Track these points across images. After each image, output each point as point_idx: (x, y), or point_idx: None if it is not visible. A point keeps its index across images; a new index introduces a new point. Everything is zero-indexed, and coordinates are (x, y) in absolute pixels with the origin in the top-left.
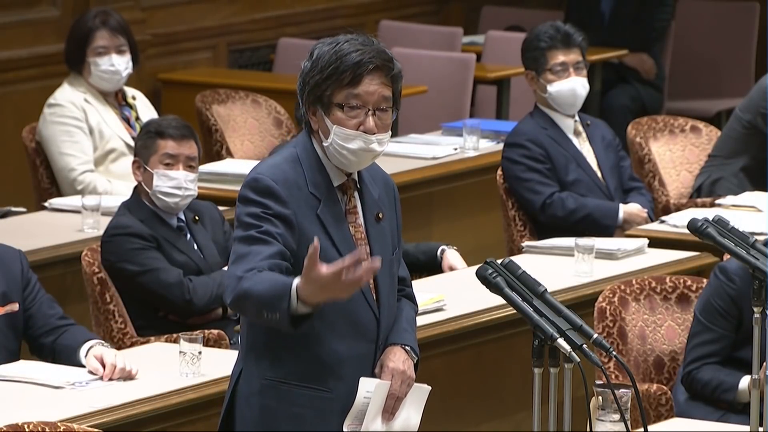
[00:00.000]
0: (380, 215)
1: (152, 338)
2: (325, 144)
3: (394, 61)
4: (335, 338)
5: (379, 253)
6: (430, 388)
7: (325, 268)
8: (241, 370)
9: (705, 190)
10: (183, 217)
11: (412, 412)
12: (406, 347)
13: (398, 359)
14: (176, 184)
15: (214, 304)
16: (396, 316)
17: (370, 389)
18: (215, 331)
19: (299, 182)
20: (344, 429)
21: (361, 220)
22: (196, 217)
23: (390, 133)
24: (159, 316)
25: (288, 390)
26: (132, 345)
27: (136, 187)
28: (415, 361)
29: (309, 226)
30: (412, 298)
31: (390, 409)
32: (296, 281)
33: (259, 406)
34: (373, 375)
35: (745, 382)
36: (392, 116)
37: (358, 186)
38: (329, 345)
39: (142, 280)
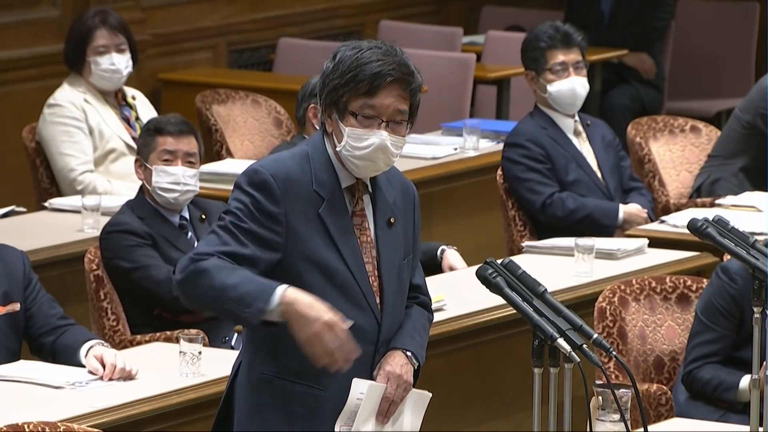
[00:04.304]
0: (392, 220)
1: (139, 336)
2: (337, 148)
3: (414, 74)
4: None
5: (388, 258)
6: (431, 394)
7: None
8: (240, 363)
9: (705, 190)
10: (187, 216)
11: (410, 417)
12: (407, 352)
13: (396, 363)
14: (174, 179)
15: None
16: (403, 322)
17: (362, 390)
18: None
19: (302, 179)
20: (336, 429)
21: (369, 224)
22: (203, 216)
23: (405, 140)
24: (155, 314)
25: (282, 385)
26: (121, 342)
27: (141, 186)
28: (416, 368)
29: (306, 224)
30: (426, 306)
31: (384, 412)
32: (284, 289)
33: (252, 400)
34: (370, 377)
35: (745, 381)
36: (407, 129)
37: (371, 190)
38: None
39: (134, 277)
